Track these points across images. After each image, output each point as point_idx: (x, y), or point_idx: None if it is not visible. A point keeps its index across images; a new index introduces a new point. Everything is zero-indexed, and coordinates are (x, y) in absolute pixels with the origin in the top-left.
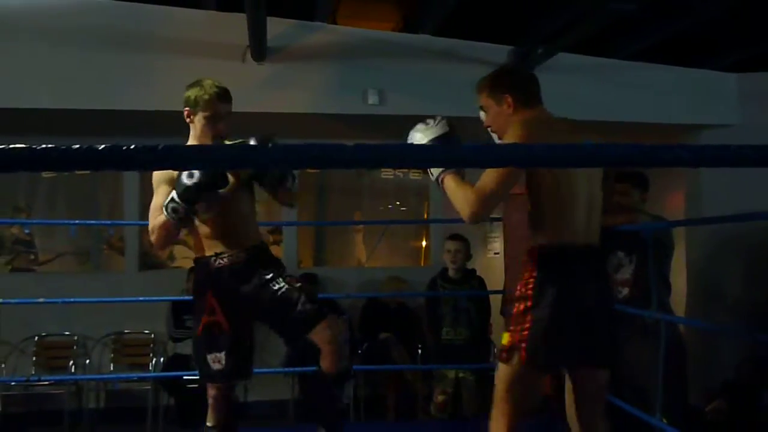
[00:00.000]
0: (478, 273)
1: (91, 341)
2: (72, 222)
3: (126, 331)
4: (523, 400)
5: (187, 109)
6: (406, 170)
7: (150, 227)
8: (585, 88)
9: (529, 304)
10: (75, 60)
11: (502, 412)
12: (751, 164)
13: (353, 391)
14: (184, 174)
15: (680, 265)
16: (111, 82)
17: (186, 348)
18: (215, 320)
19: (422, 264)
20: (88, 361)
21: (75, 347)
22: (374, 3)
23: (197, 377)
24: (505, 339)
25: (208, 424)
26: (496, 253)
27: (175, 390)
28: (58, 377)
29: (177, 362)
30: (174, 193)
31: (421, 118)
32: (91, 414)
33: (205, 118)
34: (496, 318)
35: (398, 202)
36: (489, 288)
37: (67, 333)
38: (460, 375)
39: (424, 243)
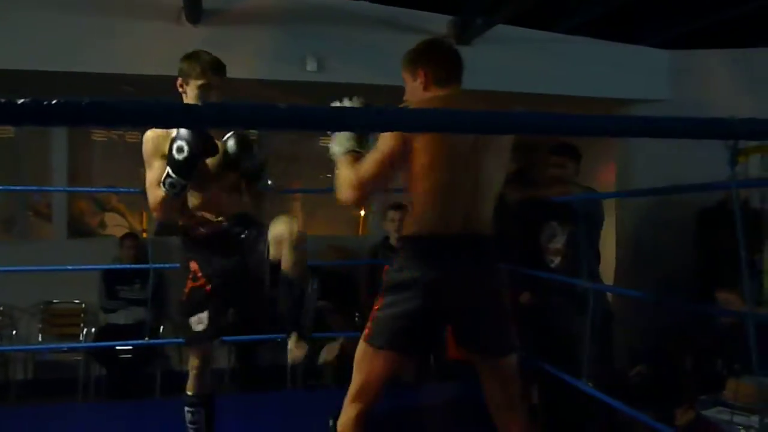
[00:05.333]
0: None
1: (17, 311)
2: None
3: (55, 300)
4: (369, 376)
5: (179, 79)
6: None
7: (151, 203)
8: (522, 60)
9: (382, 290)
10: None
11: (353, 382)
12: (666, 135)
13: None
14: (174, 149)
15: (610, 236)
16: (42, 43)
17: (119, 318)
18: (198, 285)
19: (360, 233)
20: (15, 332)
21: (0, 318)
22: None
23: (130, 348)
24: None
25: (189, 392)
26: None
27: (107, 361)
28: None
29: (109, 332)
30: (169, 169)
31: (360, 87)
32: (19, 385)
33: (198, 87)
34: None
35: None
36: None
37: None
38: None
39: (362, 212)
